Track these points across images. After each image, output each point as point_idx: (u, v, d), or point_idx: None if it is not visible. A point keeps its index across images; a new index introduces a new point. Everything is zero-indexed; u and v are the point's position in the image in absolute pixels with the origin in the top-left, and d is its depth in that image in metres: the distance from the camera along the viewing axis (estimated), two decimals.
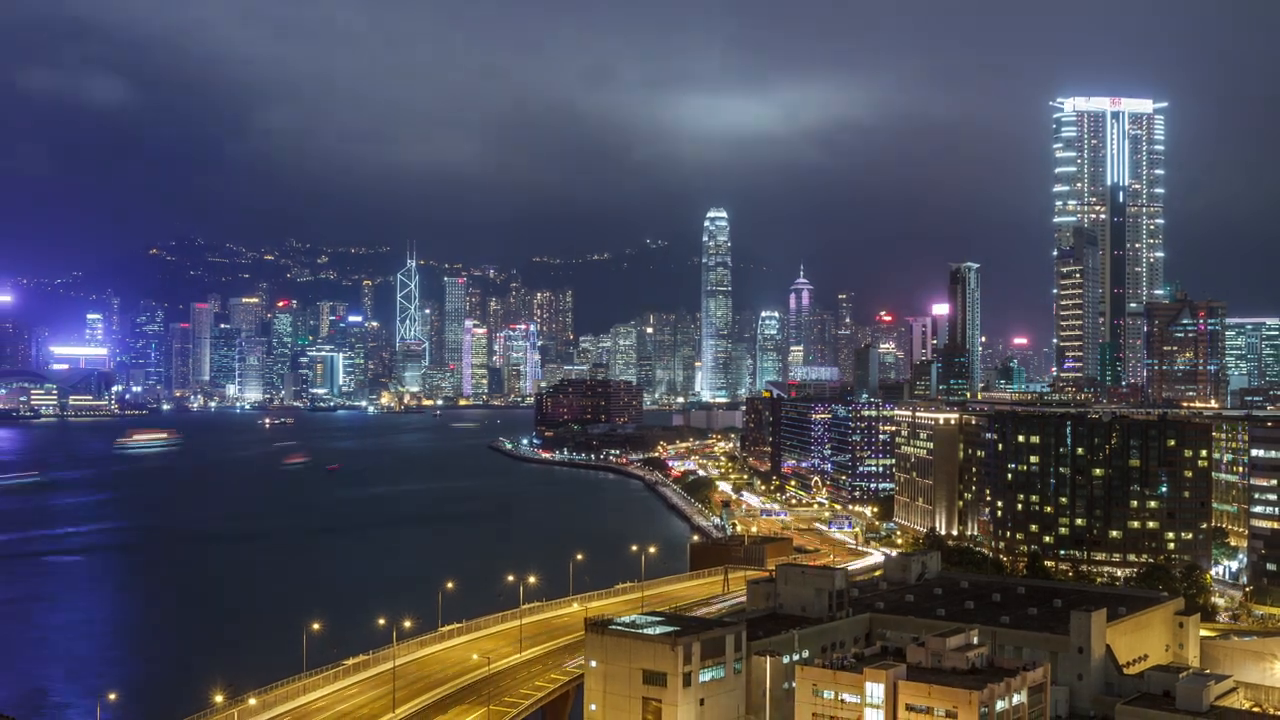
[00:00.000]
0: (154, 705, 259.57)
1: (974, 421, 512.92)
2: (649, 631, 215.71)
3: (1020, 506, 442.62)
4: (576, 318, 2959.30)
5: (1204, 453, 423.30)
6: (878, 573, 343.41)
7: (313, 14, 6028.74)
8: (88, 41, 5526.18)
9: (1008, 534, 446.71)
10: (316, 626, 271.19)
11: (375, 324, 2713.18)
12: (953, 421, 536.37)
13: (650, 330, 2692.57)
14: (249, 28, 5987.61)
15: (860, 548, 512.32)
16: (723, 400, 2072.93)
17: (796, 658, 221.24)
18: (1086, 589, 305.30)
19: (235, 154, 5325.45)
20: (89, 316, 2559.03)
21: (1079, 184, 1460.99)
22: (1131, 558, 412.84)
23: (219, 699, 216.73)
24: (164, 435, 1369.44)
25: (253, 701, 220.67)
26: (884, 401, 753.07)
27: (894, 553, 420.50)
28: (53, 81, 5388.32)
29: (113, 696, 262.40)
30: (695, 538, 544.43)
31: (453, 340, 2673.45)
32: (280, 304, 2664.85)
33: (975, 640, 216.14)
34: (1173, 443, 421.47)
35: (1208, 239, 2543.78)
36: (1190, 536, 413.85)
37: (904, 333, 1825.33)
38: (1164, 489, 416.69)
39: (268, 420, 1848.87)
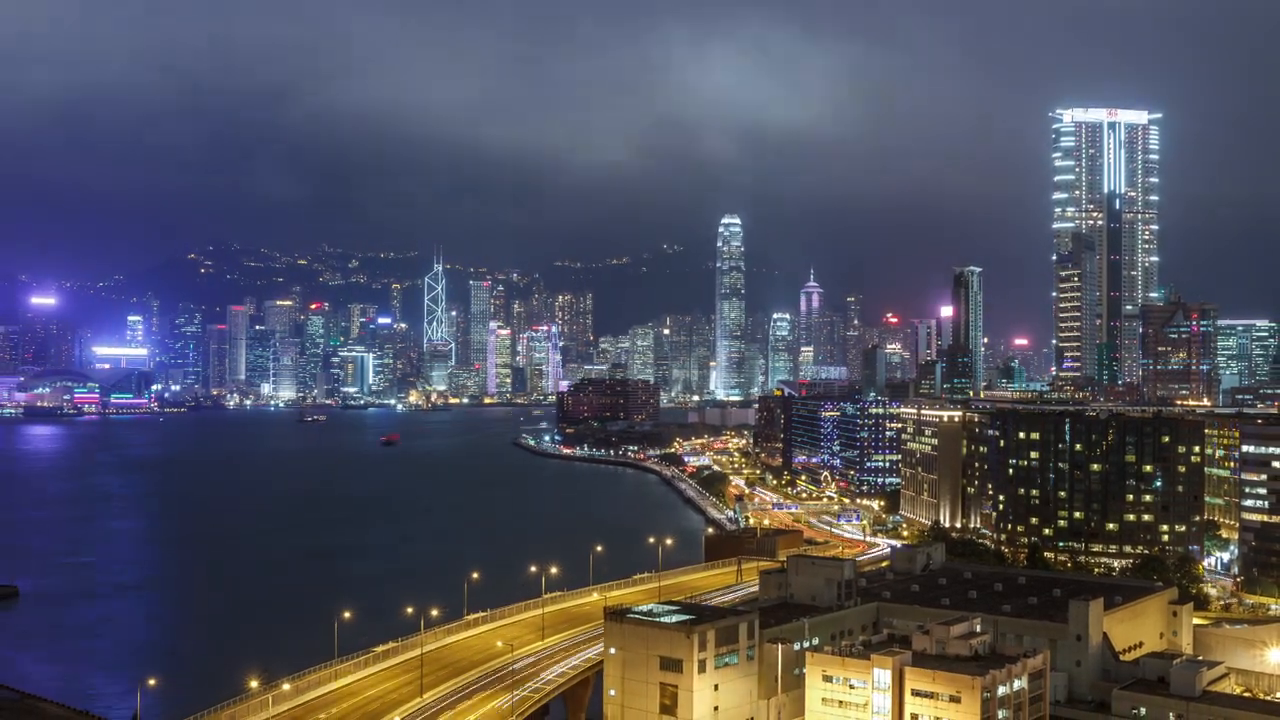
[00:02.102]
0: (191, 691, 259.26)
1: (976, 419, 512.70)
2: (666, 620, 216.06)
3: (1021, 500, 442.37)
4: (596, 319, 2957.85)
5: (1197, 449, 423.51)
6: (885, 563, 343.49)
7: (345, 26, 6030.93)
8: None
9: (1009, 526, 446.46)
10: (347, 615, 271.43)
11: (404, 325, 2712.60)
12: (956, 419, 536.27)
13: (667, 331, 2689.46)
14: (281, 41, 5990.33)
15: (868, 539, 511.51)
16: (736, 398, 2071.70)
17: (807, 645, 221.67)
18: (1084, 579, 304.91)
19: (270, 164, 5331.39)
20: (130, 318, 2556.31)
21: (1077, 191, 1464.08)
22: (1127, 549, 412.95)
23: (254, 684, 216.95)
24: None
25: (286, 686, 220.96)
26: (890, 400, 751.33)
27: (900, 544, 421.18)
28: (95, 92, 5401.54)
29: (152, 682, 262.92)
30: (710, 530, 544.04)
31: (478, 341, 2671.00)
32: (313, 306, 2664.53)
33: (978, 628, 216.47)
34: (1167, 439, 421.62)
35: (1200, 244, 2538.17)
36: (1183, 529, 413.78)
37: (910, 334, 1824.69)
38: (1158, 483, 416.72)
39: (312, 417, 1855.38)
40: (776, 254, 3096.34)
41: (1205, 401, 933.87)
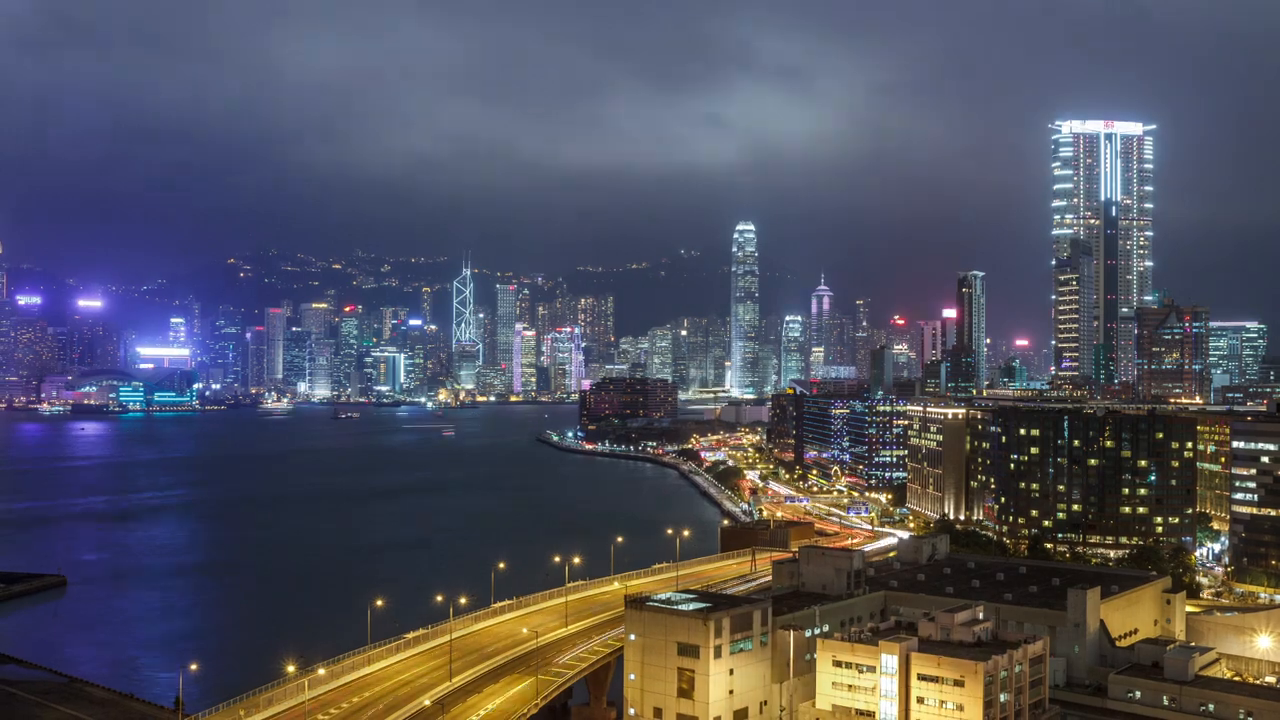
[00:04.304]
0: (232, 675, 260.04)
1: (979, 416, 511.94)
2: (683, 608, 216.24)
3: (1022, 494, 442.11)
4: (617, 321, 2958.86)
5: (1189, 445, 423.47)
6: (892, 554, 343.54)
7: (379, 41, 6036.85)
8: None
9: (1010, 519, 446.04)
10: (380, 602, 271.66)
11: (434, 327, 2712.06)
12: (960, 416, 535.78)
13: (684, 333, 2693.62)
14: (321, 57, 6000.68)
15: (876, 531, 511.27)
16: (750, 396, 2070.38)
17: (818, 631, 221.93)
18: (1082, 569, 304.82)
19: (306, 173, 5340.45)
20: (173, 320, 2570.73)
21: (1075, 199, 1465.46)
22: (1123, 540, 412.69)
23: (291, 669, 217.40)
24: None
25: (322, 671, 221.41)
26: (897, 398, 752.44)
27: (907, 536, 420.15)
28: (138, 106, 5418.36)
29: (194, 667, 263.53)
30: (725, 522, 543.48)
31: (504, 342, 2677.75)
32: (347, 309, 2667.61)
33: (981, 616, 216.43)
34: (1161, 436, 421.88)
35: (1193, 249, 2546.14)
36: (1177, 521, 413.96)
37: (916, 335, 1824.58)
38: (1153, 478, 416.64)
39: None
40: (789, 259, 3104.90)
41: (1197, 400, 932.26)
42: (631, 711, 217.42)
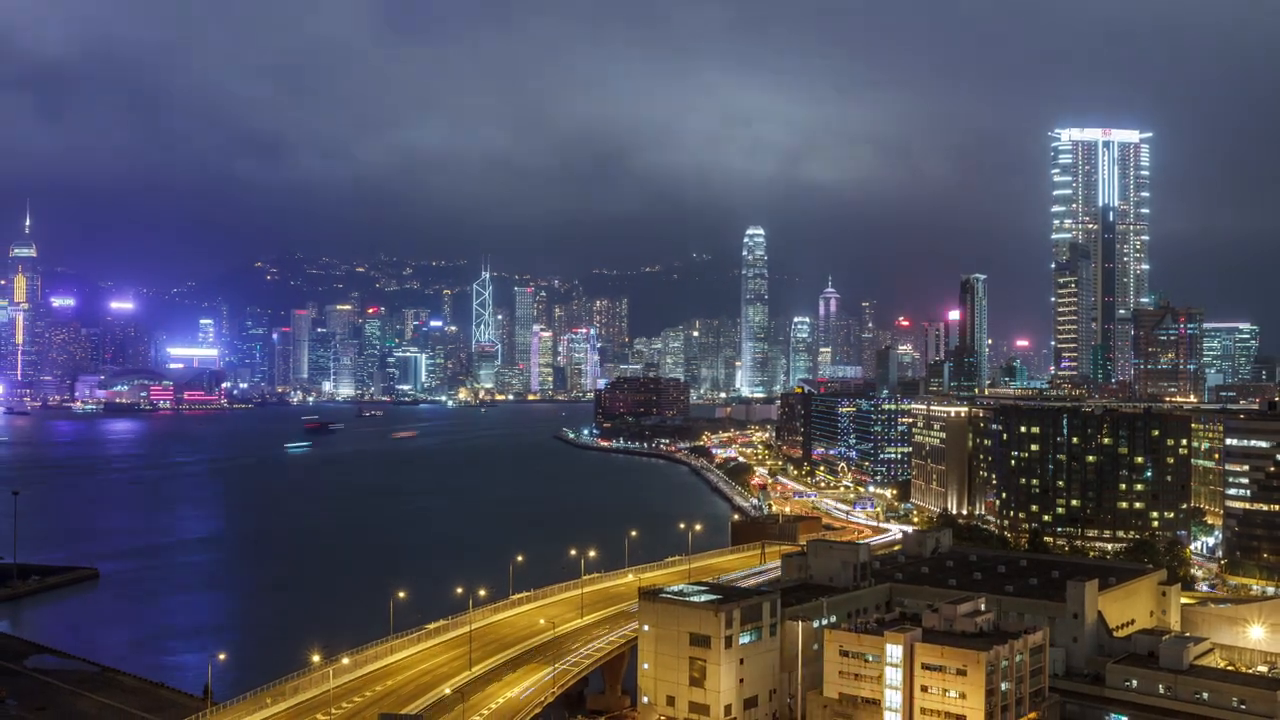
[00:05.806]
0: (258, 664, 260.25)
1: (981, 414, 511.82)
2: (695, 599, 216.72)
3: (1022, 489, 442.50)
4: (631, 322, 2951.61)
5: (1184, 442, 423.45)
6: (897, 547, 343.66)
7: (397, 50, 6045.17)
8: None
9: (1011, 513, 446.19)
10: (402, 594, 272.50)
11: (454, 328, 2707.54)
12: (963, 414, 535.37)
13: (696, 334, 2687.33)
14: (343, 69, 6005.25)
15: (881, 525, 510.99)
16: (760, 395, 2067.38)
17: (825, 622, 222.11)
18: (1081, 562, 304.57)
19: (331, 179, 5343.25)
20: (201, 321, 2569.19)
21: (1074, 205, 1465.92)
22: (1120, 534, 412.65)
23: (316, 659, 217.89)
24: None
25: (346, 660, 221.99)
26: (902, 397, 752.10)
27: (911, 530, 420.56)
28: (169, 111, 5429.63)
29: (222, 657, 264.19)
30: (736, 516, 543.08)
31: (522, 342, 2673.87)
32: (370, 311, 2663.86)
33: (983, 607, 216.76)
34: (1157, 433, 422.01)
35: (1188, 253, 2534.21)
36: (1172, 515, 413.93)
37: (920, 336, 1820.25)
38: (1149, 474, 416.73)
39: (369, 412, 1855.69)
40: (797, 262, 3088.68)
41: (1192, 398, 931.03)
42: (645, 700, 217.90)
